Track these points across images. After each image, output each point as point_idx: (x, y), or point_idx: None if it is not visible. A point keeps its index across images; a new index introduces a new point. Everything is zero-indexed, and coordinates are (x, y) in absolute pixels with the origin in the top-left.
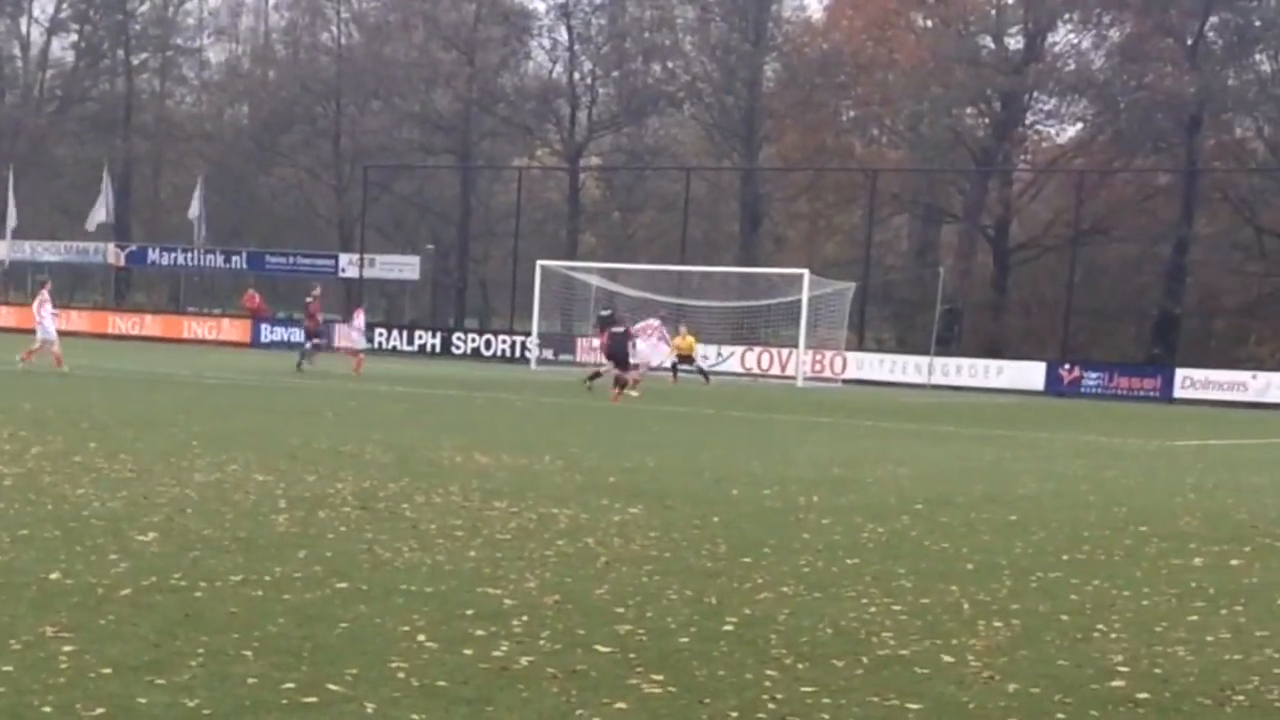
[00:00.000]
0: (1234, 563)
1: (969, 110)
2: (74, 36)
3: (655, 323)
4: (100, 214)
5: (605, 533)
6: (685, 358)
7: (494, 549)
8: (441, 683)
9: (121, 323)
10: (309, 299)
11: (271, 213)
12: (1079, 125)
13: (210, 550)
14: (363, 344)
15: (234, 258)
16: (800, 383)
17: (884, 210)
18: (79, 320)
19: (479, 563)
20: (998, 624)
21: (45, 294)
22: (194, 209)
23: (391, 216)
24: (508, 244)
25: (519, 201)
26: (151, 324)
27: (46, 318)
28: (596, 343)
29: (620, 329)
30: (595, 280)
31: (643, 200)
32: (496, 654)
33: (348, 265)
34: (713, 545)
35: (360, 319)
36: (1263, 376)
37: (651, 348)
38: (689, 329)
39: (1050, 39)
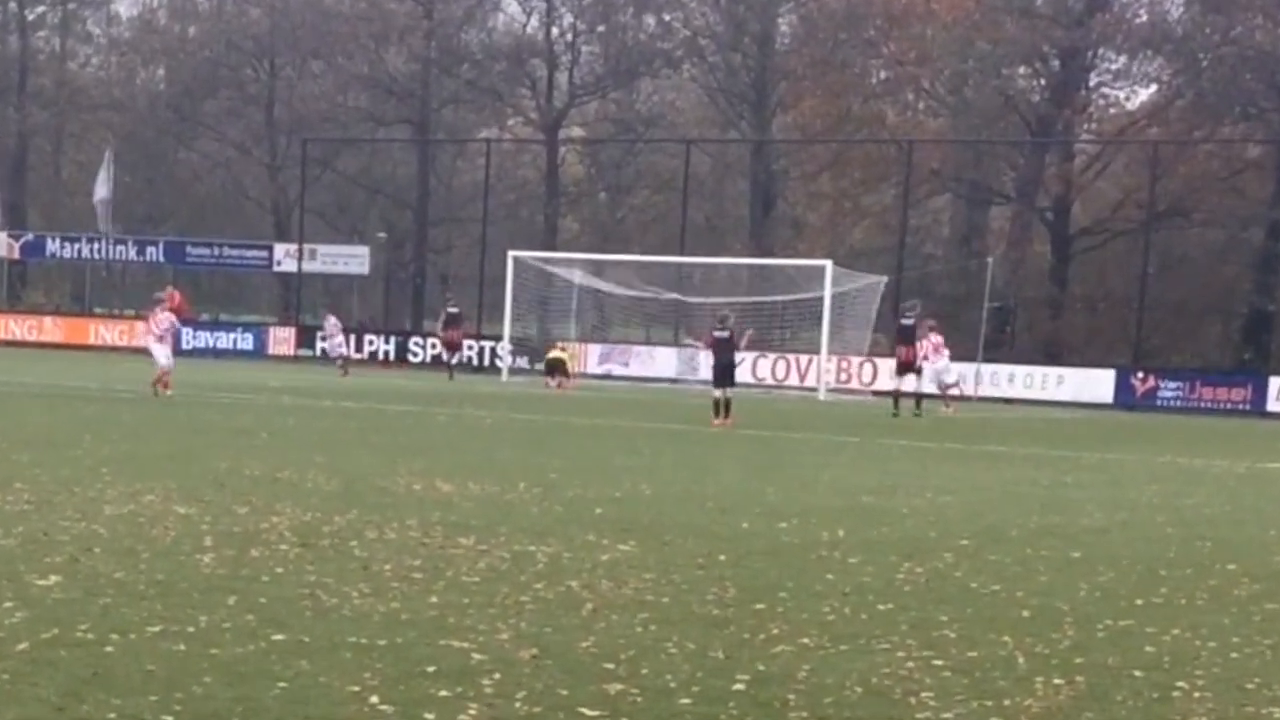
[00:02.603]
0: None
1: (1022, 70)
2: None
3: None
4: (102, 190)
5: (591, 574)
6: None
7: (460, 594)
8: None
9: (15, 326)
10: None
11: (194, 195)
12: (1153, 88)
13: (123, 596)
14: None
15: (149, 249)
16: (823, 395)
17: (921, 189)
18: None
19: (442, 610)
20: (1058, 681)
21: None
22: (101, 191)
23: (336, 199)
24: (474, 231)
25: (487, 180)
26: (51, 328)
27: None
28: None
29: (725, 333)
30: (578, 274)
31: (634, 179)
32: (463, 719)
33: (284, 257)
34: (719, 589)
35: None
36: None
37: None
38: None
39: None
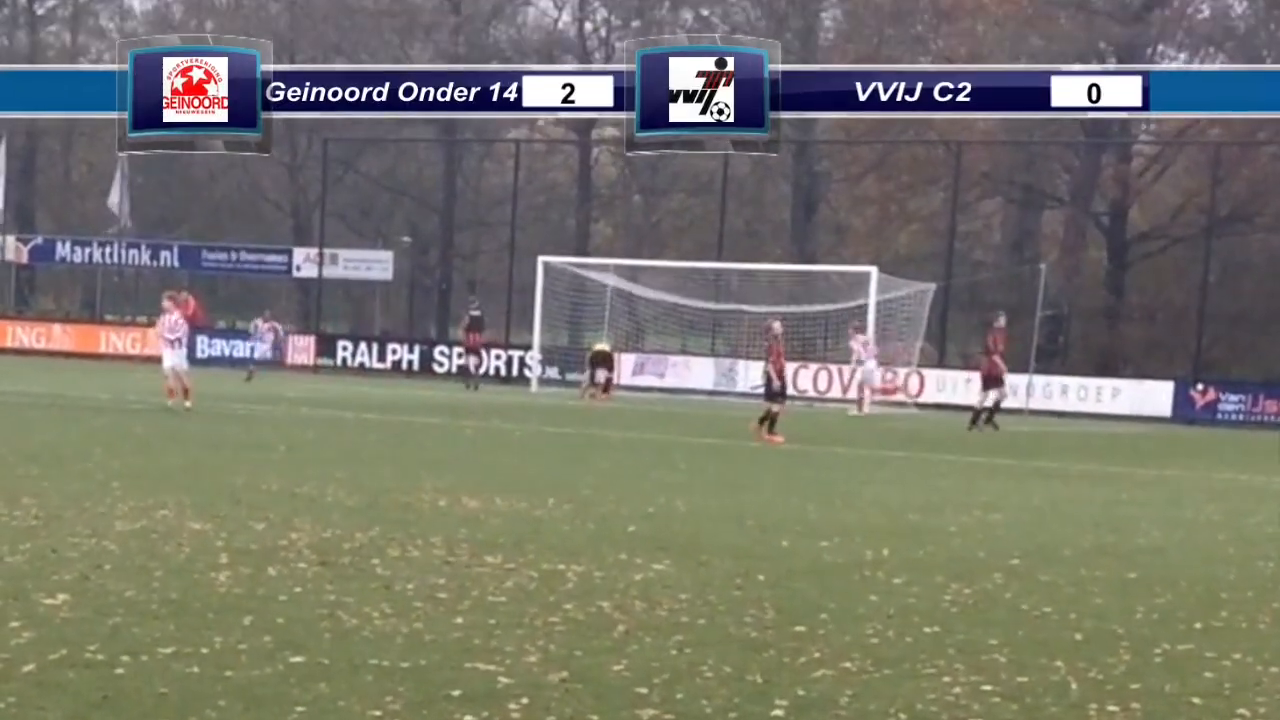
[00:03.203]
0: None
1: (1076, 68)
2: None
3: None
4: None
5: (624, 594)
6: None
7: (486, 614)
8: None
9: (23, 334)
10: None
11: (209, 197)
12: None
13: (134, 616)
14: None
15: (163, 253)
16: (867, 407)
17: (971, 193)
18: None
19: (467, 632)
20: (1113, 708)
21: None
22: (114, 194)
23: (358, 202)
24: (503, 235)
25: (516, 183)
26: (61, 336)
27: None
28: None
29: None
30: (611, 280)
31: (670, 181)
32: None
33: (304, 262)
34: (758, 610)
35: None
36: None
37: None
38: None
39: None
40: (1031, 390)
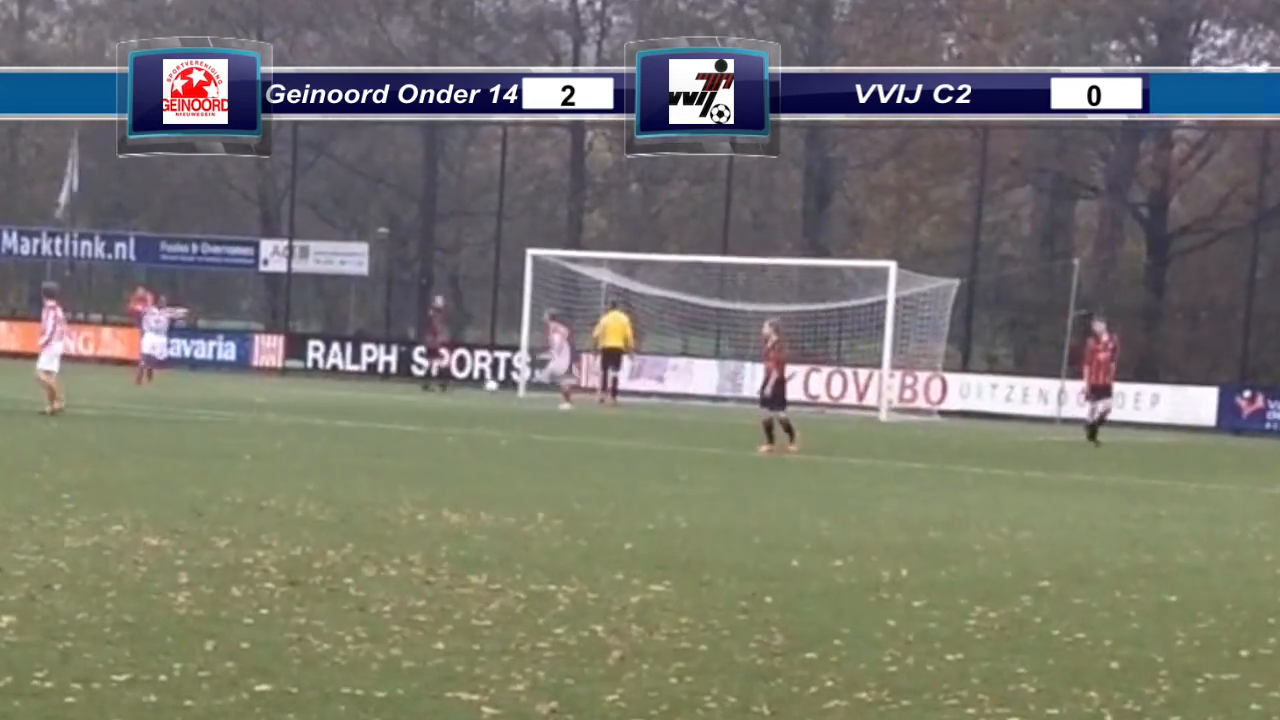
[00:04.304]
0: None
1: (1114, 45)
2: None
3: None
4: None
5: (620, 617)
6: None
7: (469, 639)
8: None
9: None
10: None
11: (169, 184)
12: (1263, 65)
13: (86, 640)
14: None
15: (118, 245)
16: (885, 415)
17: (998, 182)
18: None
19: (449, 658)
20: None
21: None
22: (66, 181)
23: (331, 190)
24: (488, 227)
25: (503, 169)
26: (6, 335)
27: None
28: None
29: (771, 343)
30: (606, 275)
31: (671, 168)
32: None
33: (272, 256)
34: (765, 635)
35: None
36: None
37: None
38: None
39: None
40: (1063, 397)
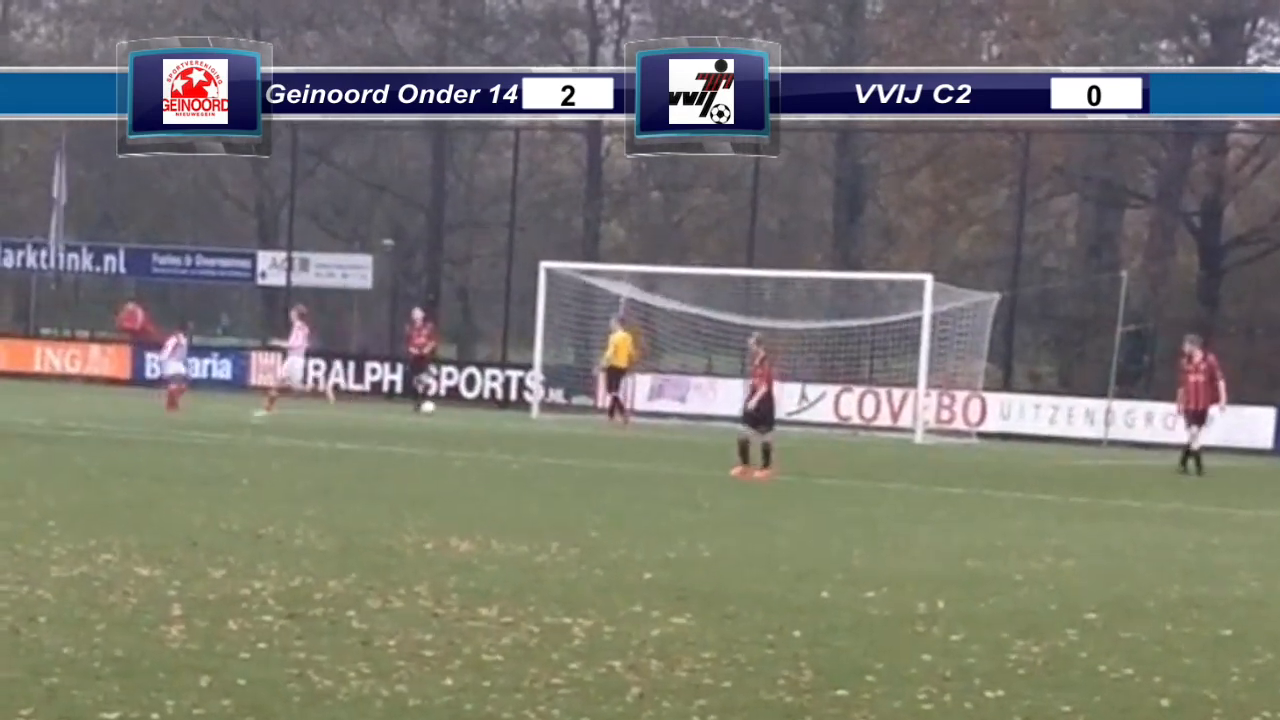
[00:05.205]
0: None
1: (1165, 45)
2: None
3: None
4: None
5: (638, 652)
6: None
7: (479, 675)
8: None
9: None
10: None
11: (161, 193)
12: None
13: (73, 675)
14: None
15: (107, 257)
16: (920, 437)
17: (1041, 190)
18: None
19: (458, 695)
20: None
21: None
22: (53, 188)
23: (332, 198)
24: (500, 238)
25: (515, 177)
26: None
27: None
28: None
29: (759, 359)
30: (625, 289)
31: (693, 175)
32: None
33: (270, 268)
34: (793, 671)
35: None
36: None
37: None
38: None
39: None
40: (1111, 417)
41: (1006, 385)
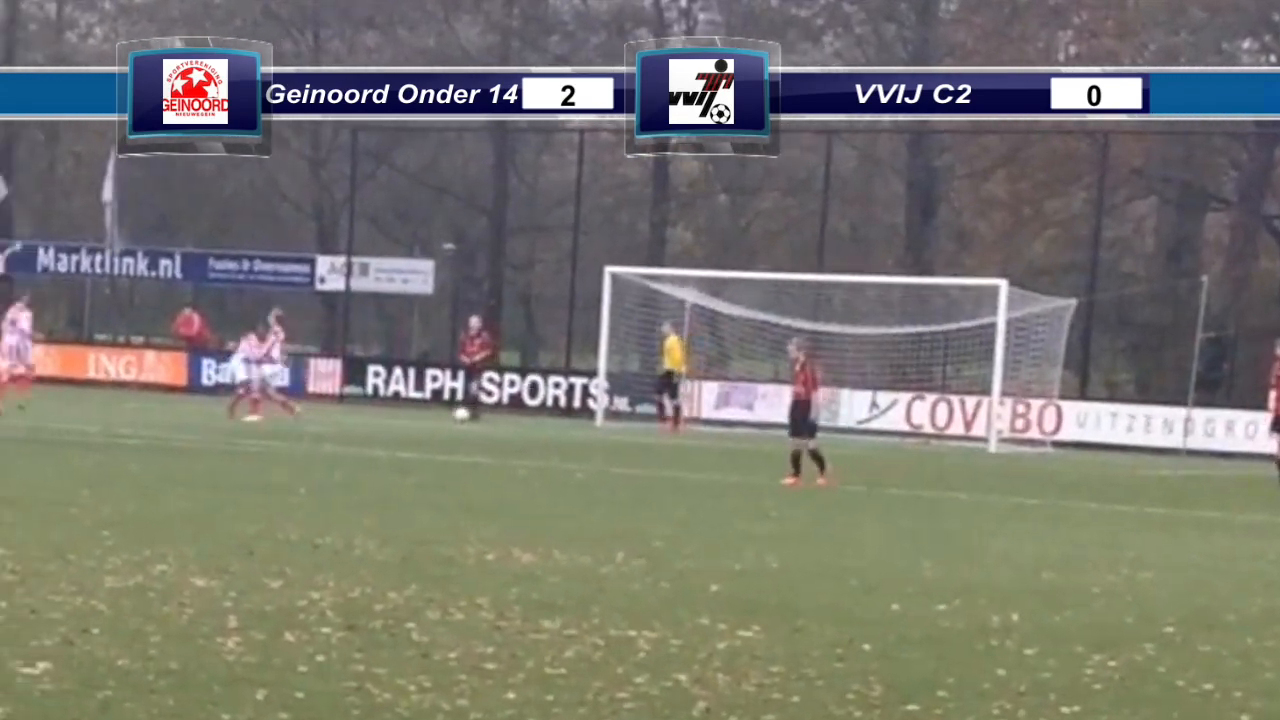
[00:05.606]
0: None
1: (1247, 44)
2: None
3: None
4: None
5: (705, 665)
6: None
7: (542, 689)
8: None
9: None
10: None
11: (218, 197)
12: None
13: (127, 689)
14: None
15: (163, 262)
16: (994, 446)
17: (1119, 193)
18: None
19: (520, 709)
20: None
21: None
22: (106, 191)
23: (392, 203)
24: (563, 242)
25: (579, 180)
26: (43, 358)
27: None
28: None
29: (800, 365)
30: (690, 294)
31: (761, 178)
32: None
33: (328, 273)
34: (863, 685)
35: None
36: None
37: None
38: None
39: None
40: (1190, 427)
41: (1082, 393)
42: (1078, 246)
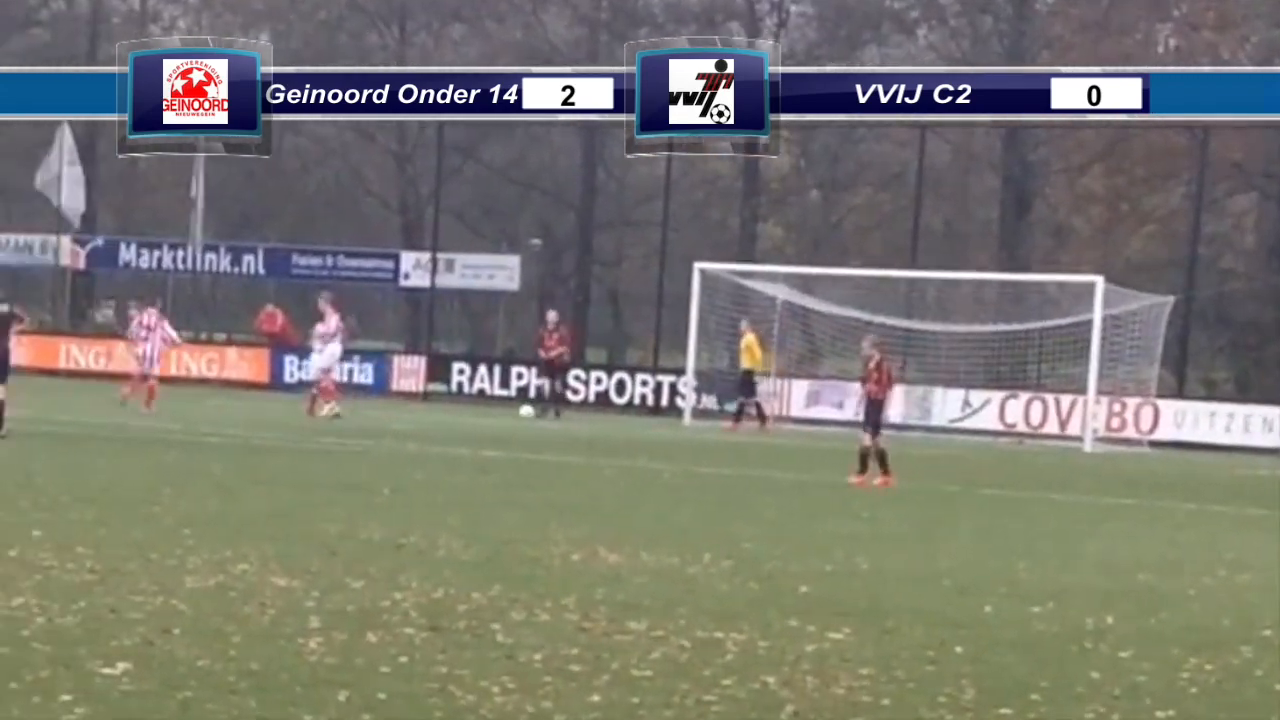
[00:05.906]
0: None
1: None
2: None
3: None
4: (67, 192)
5: (794, 668)
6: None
7: (628, 691)
8: None
9: (79, 353)
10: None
11: (302, 192)
12: None
13: (208, 689)
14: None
15: (246, 258)
16: (1090, 446)
17: (1219, 188)
18: (18, 350)
19: (606, 711)
20: None
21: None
22: (194, 187)
23: (479, 198)
24: (652, 238)
25: (668, 175)
26: (124, 354)
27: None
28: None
29: (874, 362)
30: (781, 291)
31: (854, 173)
32: None
33: (413, 269)
34: (955, 689)
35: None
36: None
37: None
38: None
39: None
40: None
41: (1180, 392)
42: (1176, 242)
